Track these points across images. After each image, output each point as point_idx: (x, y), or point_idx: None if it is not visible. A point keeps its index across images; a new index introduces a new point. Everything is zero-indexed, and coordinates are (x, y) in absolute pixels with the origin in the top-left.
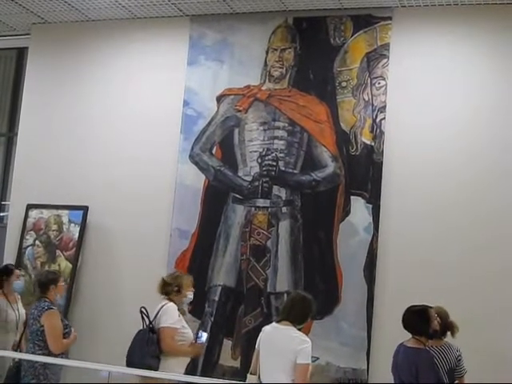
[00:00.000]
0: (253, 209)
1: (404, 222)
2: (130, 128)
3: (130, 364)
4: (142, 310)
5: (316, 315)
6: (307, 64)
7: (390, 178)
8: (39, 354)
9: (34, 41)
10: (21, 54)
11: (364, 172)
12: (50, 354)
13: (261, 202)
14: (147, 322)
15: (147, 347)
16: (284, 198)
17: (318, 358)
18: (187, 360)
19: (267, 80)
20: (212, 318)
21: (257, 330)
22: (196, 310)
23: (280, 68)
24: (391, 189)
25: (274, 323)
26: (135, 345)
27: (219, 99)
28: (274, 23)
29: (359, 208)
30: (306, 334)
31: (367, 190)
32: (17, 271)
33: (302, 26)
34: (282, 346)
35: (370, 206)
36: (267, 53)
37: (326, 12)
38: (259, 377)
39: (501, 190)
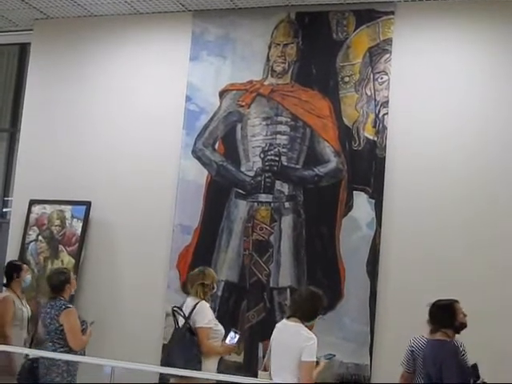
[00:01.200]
0: (255, 204)
1: (407, 217)
2: (133, 123)
3: (169, 365)
4: (176, 309)
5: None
6: (310, 59)
7: (393, 173)
8: (62, 351)
9: (36, 36)
10: (23, 49)
11: (367, 167)
12: (71, 351)
13: (263, 197)
14: (181, 322)
15: (190, 351)
16: (287, 193)
17: (334, 355)
18: (218, 358)
19: (270, 75)
20: (215, 314)
21: (260, 325)
22: None
23: (282, 63)
24: (394, 184)
25: (283, 319)
26: (174, 346)
27: (222, 94)
28: (277, 18)
29: (362, 203)
30: (309, 330)
31: (370, 185)
32: (25, 266)
33: (305, 21)
34: (288, 342)
35: (373, 201)
36: (270, 48)
37: (328, 7)
38: (270, 374)
39: (504, 185)
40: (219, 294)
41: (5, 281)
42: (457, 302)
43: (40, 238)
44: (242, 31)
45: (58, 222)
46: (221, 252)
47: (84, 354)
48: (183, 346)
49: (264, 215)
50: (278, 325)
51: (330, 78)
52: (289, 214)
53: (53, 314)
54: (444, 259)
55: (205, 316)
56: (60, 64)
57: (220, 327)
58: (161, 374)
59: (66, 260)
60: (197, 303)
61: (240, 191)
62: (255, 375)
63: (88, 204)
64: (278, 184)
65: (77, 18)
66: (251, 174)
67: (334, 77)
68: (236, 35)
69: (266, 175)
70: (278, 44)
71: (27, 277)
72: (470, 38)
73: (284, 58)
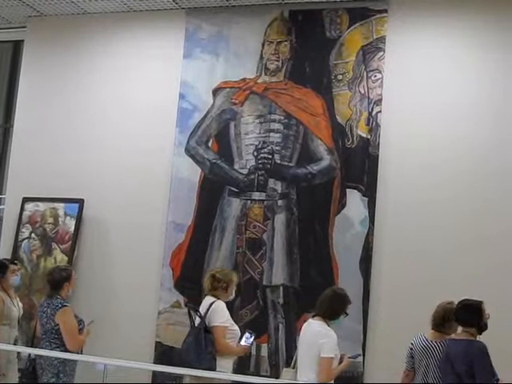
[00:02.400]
0: (248, 202)
1: (400, 215)
2: (126, 121)
3: (184, 364)
4: (192, 307)
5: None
6: (303, 57)
7: (386, 171)
8: (59, 351)
9: (29, 34)
10: (17, 46)
11: (360, 165)
12: (67, 351)
13: (256, 195)
14: (197, 321)
15: (204, 348)
16: (280, 191)
17: (359, 355)
18: (234, 358)
19: (263, 73)
20: None
21: (252, 323)
22: (192, 303)
23: (276, 61)
24: (387, 182)
25: (309, 318)
26: (190, 345)
27: (215, 92)
28: (270, 16)
29: (355, 201)
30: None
31: (363, 183)
32: (12, 266)
33: (298, 19)
34: (309, 340)
35: (366, 199)
36: (263, 46)
37: (321, 5)
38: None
39: (497, 183)
40: None
41: None
42: (483, 302)
43: (33, 235)
44: (236, 29)
45: (51, 220)
46: (214, 250)
47: (81, 353)
48: (198, 344)
49: (257, 213)
50: (305, 323)
51: (323, 76)
52: (282, 212)
53: (49, 312)
54: (437, 257)
55: (221, 315)
56: (53, 61)
57: (236, 327)
58: (154, 372)
59: (59, 258)
60: (213, 302)
61: (233, 189)
62: (247, 373)
63: (81, 202)
64: (271, 182)
65: (70, 16)
66: (244, 171)
67: (328, 75)
68: (229, 33)
69: (260, 173)
70: (272, 42)
71: (13, 278)
72: (463, 35)
73: (277, 56)
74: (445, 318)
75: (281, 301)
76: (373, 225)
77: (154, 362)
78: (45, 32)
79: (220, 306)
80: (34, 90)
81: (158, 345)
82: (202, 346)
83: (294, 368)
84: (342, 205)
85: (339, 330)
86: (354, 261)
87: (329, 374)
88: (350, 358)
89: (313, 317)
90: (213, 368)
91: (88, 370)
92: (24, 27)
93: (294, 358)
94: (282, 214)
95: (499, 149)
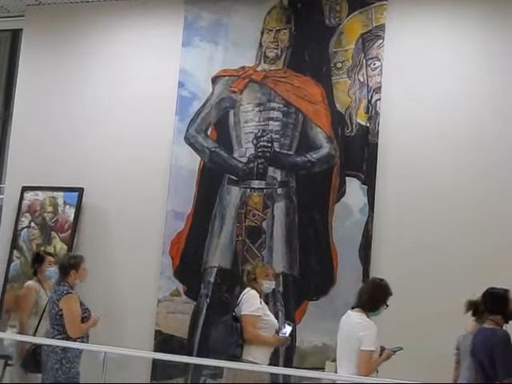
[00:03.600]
0: (248, 190)
1: (399, 203)
2: (125, 109)
3: (213, 352)
4: (224, 298)
5: (313, 297)
6: (302, 45)
7: (386, 159)
8: (58, 338)
9: (28, 22)
10: (15, 35)
11: (359, 153)
12: (68, 338)
13: (256, 184)
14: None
15: (231, 337)
16: (279, 179)
17: (401, 348)
18: (271, 349)
19: (262, 61)
20: (208, 300)
21: None
22: (191, 291)
23: (275, 49)
24: (386, 170)
25: (349, 310)
26: (218, 333)
27: (214, 80)
28: (269, 4)
29: (354, 189)
30: (302, 315)
31: (362, 171)
32: (49, 258)
33: (297, 7)
34: (348, 332)
35: (365, 187)
36: (262, 34)
37: None
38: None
39: (499, 171)
40: (212, 280)
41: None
42: (509, 291)
43: (32, 224)
44: (235, 17)
45: (50, 209)
46: (213, 238)
47: (87, 342)
48: (224, 331)
49: (256, 201)
50: (343, 316)
51: (322, 64)
52: (281, 200)
53: (54, 298)
54: (436, 244)
55: (251, 304)
56: (52, 50)
57: (270, 318)
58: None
59: (59, 246)
60: (245, 293)
61: (232, 177)
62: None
63: (80, 190)
64: (270, 170)
65: (68, 5)
66: (244, 160)
67: (327, 63)
68: (229, 21)
69: (259, 161)
70: (271, 30)
71: (49, 268)
72: (462, 23)
73: (276, 44)
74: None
75: (280, 289)
76: (372, 212)
77: (154, 350)
78: (43, 21)
79: (250, 296)
80: (33, 79)
81: (158, 333)
82: (227, 333)
83: (334, 361)
84: (342, 193)
85: (338, 318)
86: (353, 248)
87: (369, 367)
88: (391, 350)
89: (352, 308)
90: (237, 356)
91: (88, 359)
92: (22, 16)
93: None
94: (282, 203)
95: (499, 137)
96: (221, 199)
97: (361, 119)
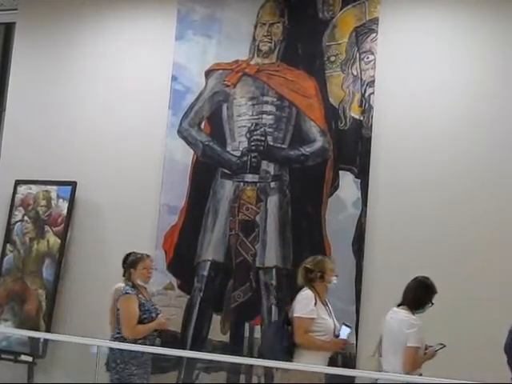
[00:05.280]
0: (241, 184)
1: (392, 197)
2: (119, 103)
3: (262, 356)
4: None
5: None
6: (296, 39)
7: (379, 153)
8: (118, 338)
9: (21, 16)
10: (8, 29)
11: (353, 147)
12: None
13: (249, 177)
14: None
15: (280, 343)
16: (272, 173)
17: (444, 346)
18: (327, 354)
19: (256, 55)
20: (201, 294)
21: (246, 305)
22: (185, 285)
23: (268, 43)
24: (380, 163)
25: (394, 307)
26: (268, 337)
27: (208, 74)
28: None
29: (348, 183)
30: None
31: (356, 165)
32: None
33: (291, 1)
34: (394, 329)
35: (359, 180)
36: (255, 27)
37: None
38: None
39: (491, 164)
40: (205, 274)
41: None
42: None
43: (26, 218)
44: (228, 11)
45: (43, 203)
46: (207, 232)
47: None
48: (274, 336)
49: (250, 195)
50: (389, 312)
51: (316, 58)
52: (275, 194)
53: (116, 297)
54: (430, 238)
55: (304, 306)
56: (45, 44)
57: (326, 321)
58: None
59: (52, 240)
60: (301, 292)
61: (226, 171)
62: (240, 355)
63: (74, 184)
64: (263, 164)
65: None
66: (237, 153)
67: (320, 56)
68: (222, 15)
69: (252, 155)
70: (264, 23)
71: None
72: (456, 16)
73: (270, 38)
74: None
75: (274, 282)
76: (365, 206)
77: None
78: (37, 14)
79: (304, 297)
80: (26, 73)
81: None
82: (277, 338)
83: (373, 356)
84: (335, 186)
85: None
86: (346, 242)
87: (415, 363)
88: (436, 350)
89: (398, 306)
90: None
91: (81, 352)
92: (16, 9)
93: (376, 346)
94: (275, 196)
95: (494, 130)
96: (214, 193)
97: (354, 113)
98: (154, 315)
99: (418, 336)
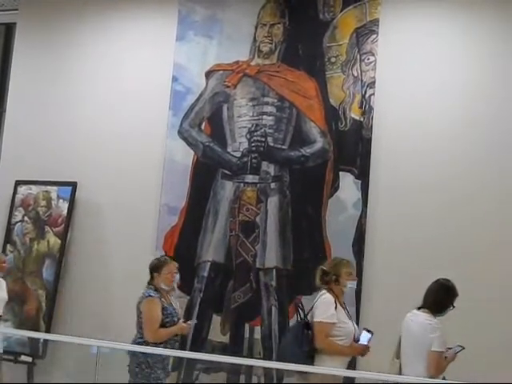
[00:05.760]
0: (242, 185)
1: (393, 198)
2: (119, 104)
3: (282, 361)
4: (296, 302)
5: (306, 291)
6: (296, 39)
7: (379, 154)
8: (139, 341)
9: (22, 16)
10: (9, 29)
11: (353, 148)
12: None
13: (249, 178)
14: (302, 316)
15: (301, 348)
16: (273, 174)
17: (463, 348)
18: (347, 359)
19: (256, 56)
20: (201, 294)
21: (246, 306)
22: (185, 285)
23: (269, 43)
24: (380, 164)
25: (414, 310)
26: (288, 342)
27: (208, 75)
28: None
29: (348, 184)
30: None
31: (356, 166)
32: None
33: (291, 1)
34: (416, 333)
35: (359, 181)
36: (256, 28)
37: None
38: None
39: (491, 165)
40: (205, 274)
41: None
42: None
43: (26, 218)
44: (229, 11)
45: (43, 203)
46: (207, 233)
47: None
48: (295, 341)
49: (250, 196)
50: (408, 315)
51: (316, 59)
52: (275, 195)
53: (138, 301)
54: (430, 240)
55: (324, 310)
56: (46, 44)
57: (347, 325)
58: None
59: (52, 241)
60: (320, 296)
61: (226, 172)
62: (240, 355)
63: (74, 185)
64: (264, 165)
65: None
66: (237, 154)
67: (321, 57)
68: (223, 16)
69: (253, 156)
70: (265, 24)
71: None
72: (456, 17)
73: (270, 39)
74: None
75: (274, 283)
76: (366, 207)
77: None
78: (37, 15)
79: (324, 301)
80: (27, 73)
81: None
82: (297, 343)
83: (393, 360)
84: (335, 187)
85: None
86: (346, 243)
87: (439, 367)
88: (455, 352)
89: (418, 308)
90: None
91: (81, 353)
92: (16, 10)
93: (395, 349)
94: (275, 197)
95: (493, 131)
96: (214, 194)
97: (355, 114)
98: (175, 319)
99: (441, 340)
